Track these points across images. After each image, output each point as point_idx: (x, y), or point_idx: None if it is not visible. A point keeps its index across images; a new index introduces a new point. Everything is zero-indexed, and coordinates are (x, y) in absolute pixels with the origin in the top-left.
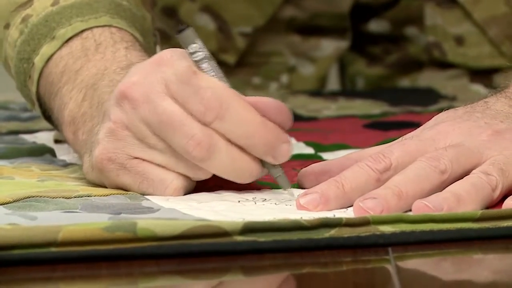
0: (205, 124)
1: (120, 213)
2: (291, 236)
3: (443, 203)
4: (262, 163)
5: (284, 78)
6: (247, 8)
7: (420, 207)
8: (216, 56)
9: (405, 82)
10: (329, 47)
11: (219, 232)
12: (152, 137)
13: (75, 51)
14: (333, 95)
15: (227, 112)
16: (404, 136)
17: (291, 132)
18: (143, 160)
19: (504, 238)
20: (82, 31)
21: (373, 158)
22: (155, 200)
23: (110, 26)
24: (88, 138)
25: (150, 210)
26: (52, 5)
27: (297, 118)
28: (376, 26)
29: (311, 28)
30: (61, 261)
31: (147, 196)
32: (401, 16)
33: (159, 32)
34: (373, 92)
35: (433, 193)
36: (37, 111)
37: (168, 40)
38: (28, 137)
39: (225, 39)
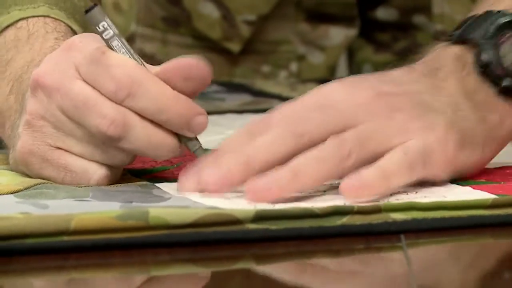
0: (118, 102)
1: (131, 202)
2: (303, 224)
3: (274, 183)
4: (179, 138)
5: (294, 67)
6: None
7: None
8: (220, 44)
9: None
10: (338, 35)
11: (231, 220)
12: (68, 123)
13: (8, 41)
14: None
15: (138, 89)
16: None
17: None
18: (64, 151)
19: None
20: (18, 20)
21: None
22: (165, 189)
23: (46, 16)
24: (11, 133)
25: (161, 198)
26: None
27: None
28: (384, 13)
29: (319, 16)
30: (73, 249)
31: (157, 184)
32: (409, 4)
33: (164, 20)
34: None
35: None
36: None
37: (176, 27)
38: None
39: (229, 27)
